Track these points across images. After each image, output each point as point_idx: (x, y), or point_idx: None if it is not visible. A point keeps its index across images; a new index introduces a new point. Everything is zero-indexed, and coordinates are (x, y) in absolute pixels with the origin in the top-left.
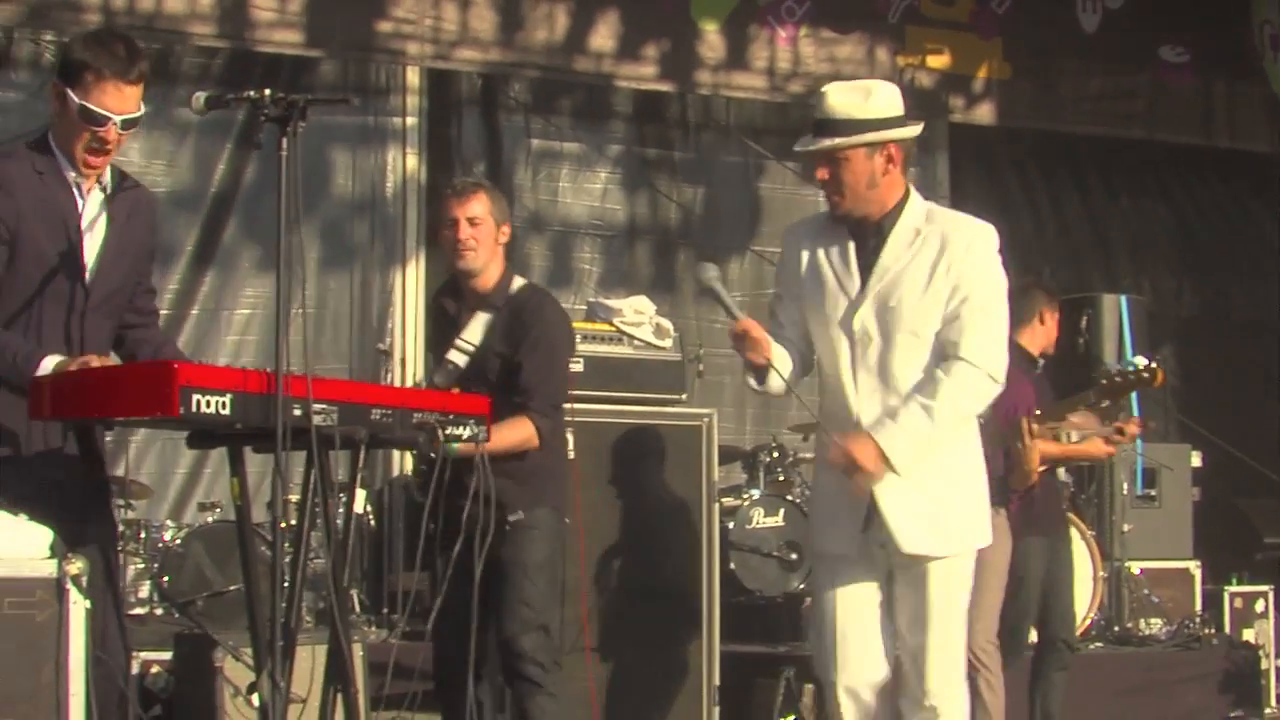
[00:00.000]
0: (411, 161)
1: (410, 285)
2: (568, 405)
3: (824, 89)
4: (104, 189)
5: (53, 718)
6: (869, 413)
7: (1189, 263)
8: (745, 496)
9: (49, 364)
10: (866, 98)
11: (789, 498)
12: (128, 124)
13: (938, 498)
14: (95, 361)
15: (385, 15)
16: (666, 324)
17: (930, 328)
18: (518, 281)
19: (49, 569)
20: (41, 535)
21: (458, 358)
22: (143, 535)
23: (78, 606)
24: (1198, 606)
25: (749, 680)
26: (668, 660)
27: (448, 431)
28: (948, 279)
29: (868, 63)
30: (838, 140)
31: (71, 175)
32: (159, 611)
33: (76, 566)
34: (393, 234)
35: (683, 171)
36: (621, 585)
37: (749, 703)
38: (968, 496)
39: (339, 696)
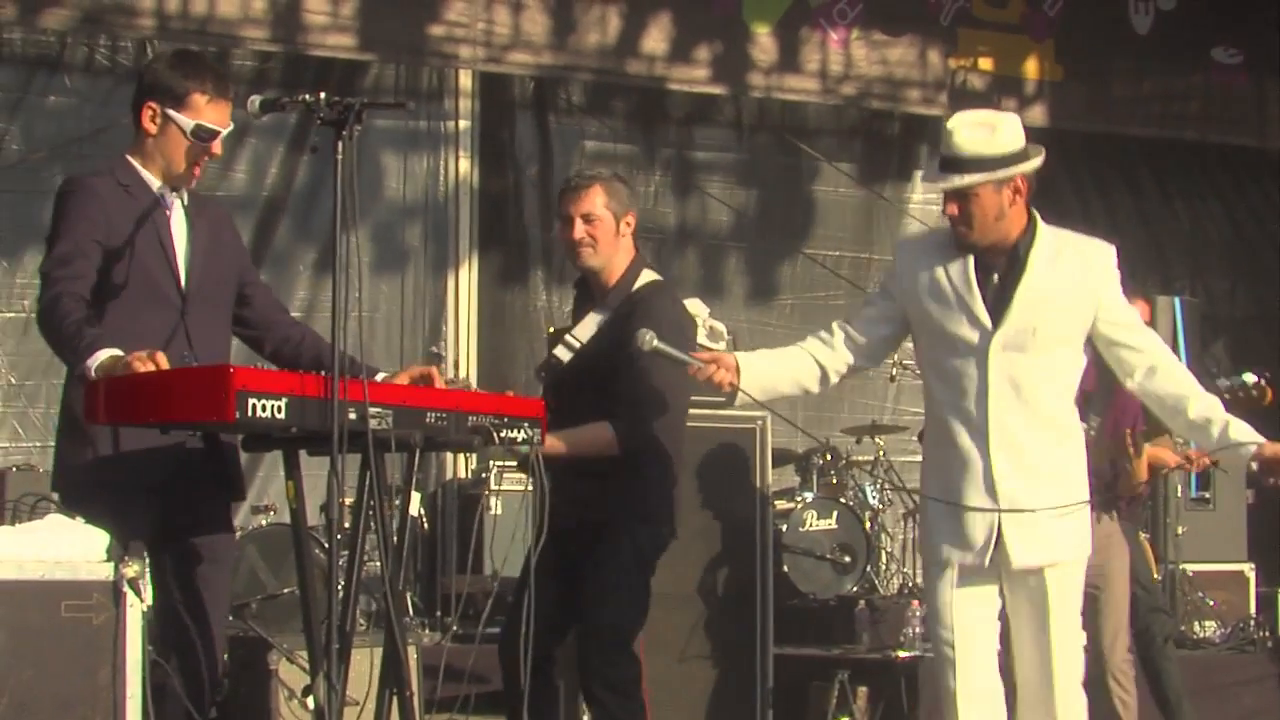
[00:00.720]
0: (464, 165)
1: (464, 288)
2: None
3: (950, 125)
4: (183, 199)
5: (110, 719)
6: (1007, 424)
7: (1241, 265)
8: (798, 499)
9: (100, 356)
10: (992, 133)
11: (842, 500)
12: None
13: (1051, 509)
14: (139, 361)
15: (437, 19)
16: (720, 326)
17: (1068, 344)
18: (645, 277)
19: (105, 572)
20: (98, 538)
21: (563, 354)
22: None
23: (134, 609)
24: (1252, 609)
25: (803, 683)
26: (721, 663)
27: (503, 435)
28: (1089, 299)
29: (920, 65)
30: (968, 179)
31: (157, 186)
32: None
33: (133, 569)
34: (445, 237)
35: (735, 174)
36: (675, 589)
37: (803, 706)
38: (1077, 506)
39: (394, 699)
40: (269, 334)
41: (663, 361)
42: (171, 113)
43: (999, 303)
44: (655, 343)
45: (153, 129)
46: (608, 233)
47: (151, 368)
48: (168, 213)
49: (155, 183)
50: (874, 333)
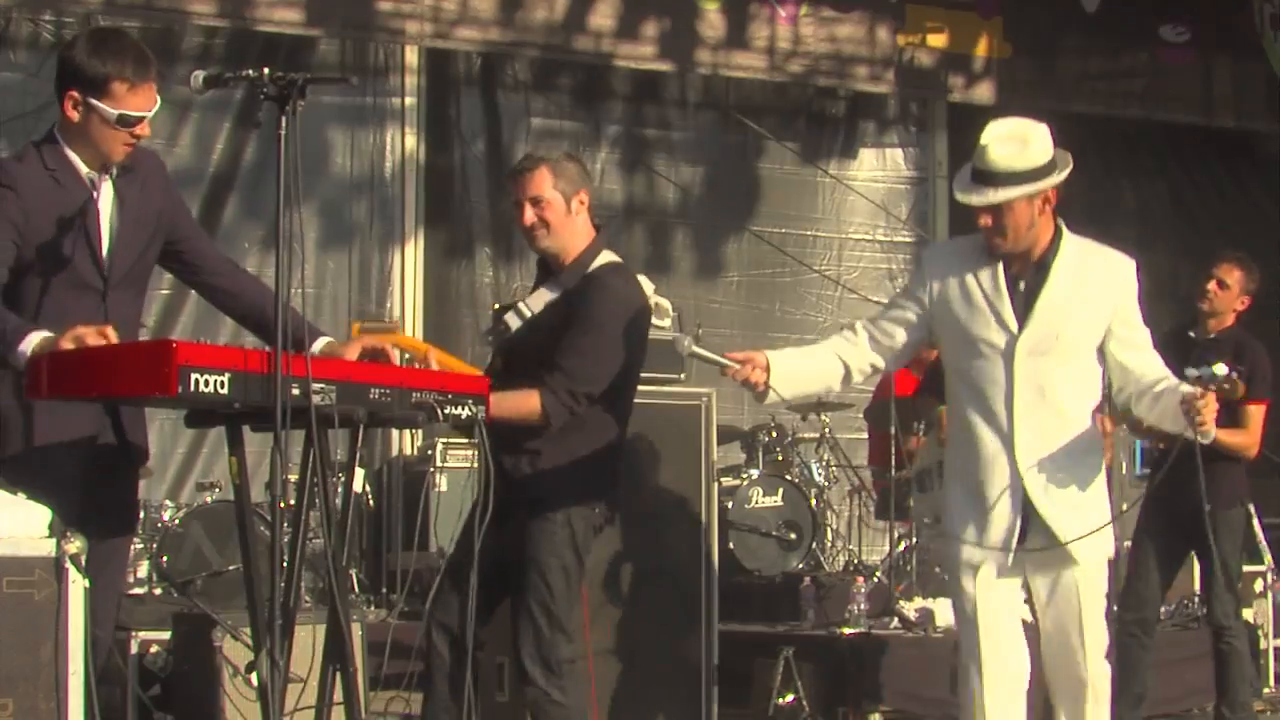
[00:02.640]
0: (410, 141)
1: (410, 265)
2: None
3: (984, 140)
4: (111, 173)
5: (52, 696)
6: (1028, 428)
7: (1187, 243)
8: (744, 476)
9: (33, 339)
10: (1025, 147)
11: (788, 477)
12: (153, 118)
13: (1075, 506)
14: (91, 335)
15: None
16: (665, 303)
17: (1089, 349)
18: (603, 258)
19: (48, 548)
20: (40, 514)
21: (513, 320)
22: (142, 515)
23: (76, 585)
24: (1196, 587)
25: (748, 660)
26: (666, 640)
27: (446, 411)
28: (1109, 307)
29: (868, 42)
30: (1002, 195)
31: (84, 171)
32: (158, 591)
33: (75, 545)
34: (391, 214)
35: (681, 151)
36: (619, 565)
37: (748, 683)
38: (1097, 488)
39: (338, 676)
40: (206, 284)
41: (611, 339)
42: (94, 101)
43: (1025, 308)
44: (693, 347)
45: (76, 116)
46: (558, 214)
47: (104, 342)
48: (95, 196)
49: (84, 169)
50: (899, 336)
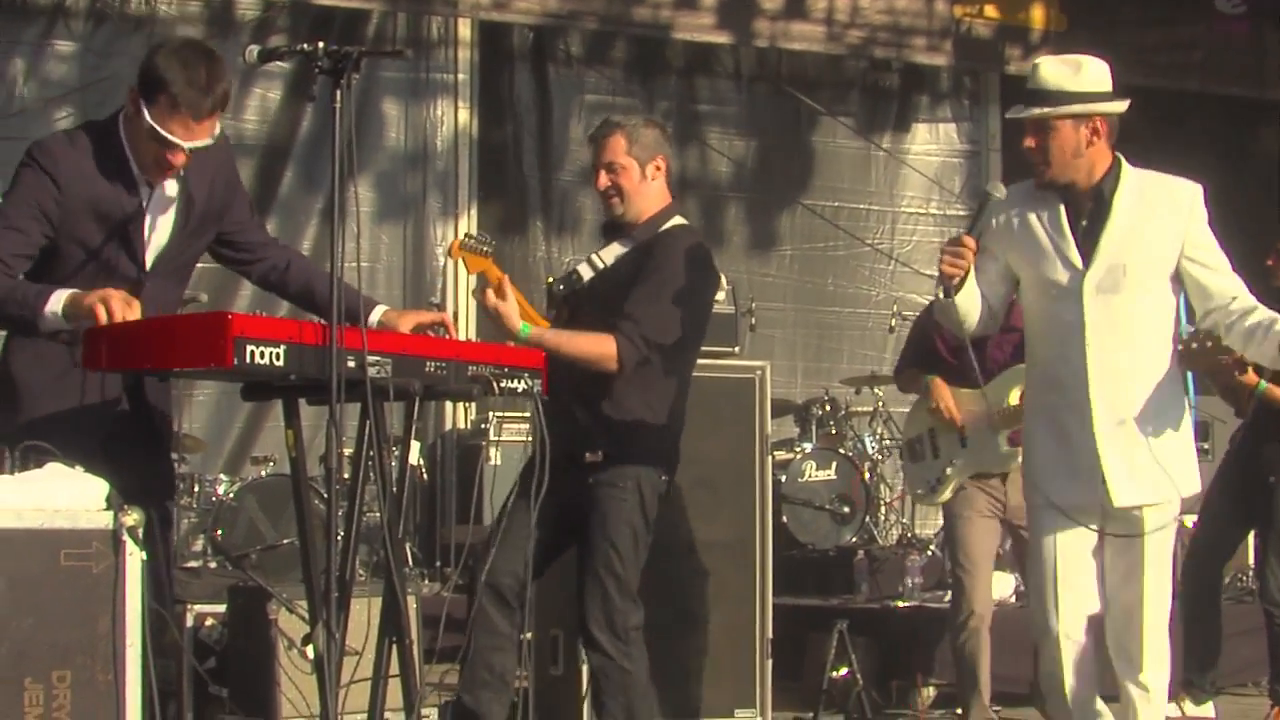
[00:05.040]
0: (464, 115)
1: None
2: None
3: (1037, 60)
4: (179, 173)
5: (109, 668)
6: (1106, 365)
7: (1241, 215)
8: (797, 450)
9: (59, 298)
10: (1077, 71)
11: (841, 450)
12: (198, 149)
13: (1155, 449)
14: (117, 298)
15: None
16: (720, 276)
17: (1160, 282)
18: (674, 221)
19: (105, 520)
20: (97, 487)
21: (585, 271)
22: (196, 489)
23: (134, 558)
24: (1250, 560)
25: (802, 633)
26: (720, 614)
27: (503, 384)
28: (1175, 236)
29: (925, 13)
30: (1047, 109)
31: (137, 172)
32: (213, 565)
33: (133, 518)
34: (445, 187)
35: (734, 125)
36: (673, 538)
37: (802, 656)
38: (1180, 446)
39: (393, 648)
40: (255, 269)
41: (682, 294)
42: (142, 105)
43: (1088, 244)
44: (996, 192)
45: (131, 111)
46: (632, 180)
47: (130, 313)
48: (142, 199)
49: (136, 169)
50: (994, 292)
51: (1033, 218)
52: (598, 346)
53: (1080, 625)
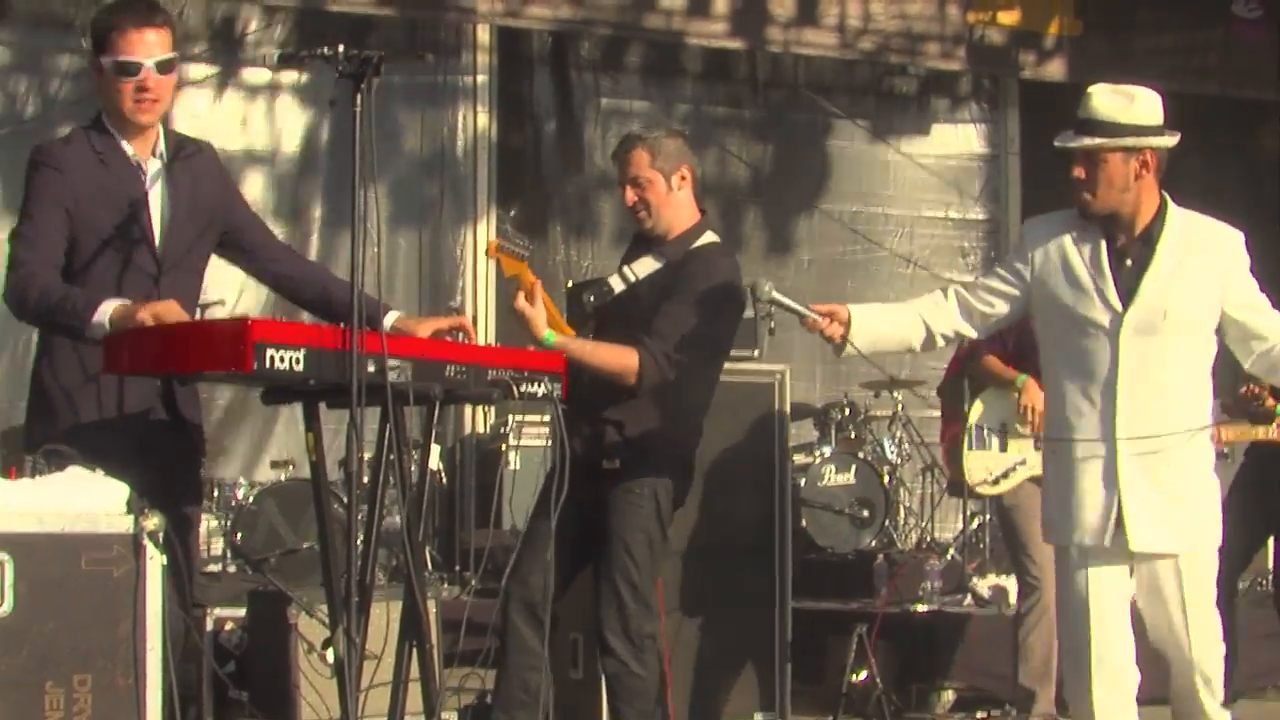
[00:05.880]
0: (482, 120)
1: (481, 244)
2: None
3: (1090, 89)
4: (160, 157)
5: (130, 672)
6: (1136, 409)
7: (1259, 219)
8: (816, 454)
9: (107, 308)
10: (1130, 102)
11: (860, 455)
12: (162, 67)
13: (1178, 496)
14: (166, 310)
15: None
16: None
17: (1199, 331)
18: (706, 238)
19: (126, 524)
20: (118, 491)
21: (616, 283)
22: (215, 493)
23: (154, 562)
24: (1269, 563)
25: (821, 637)
26: (739, 617)
27: (522, 389)
28: (1218, 283)
29: (939, 19)
30: (1099, 141)
31: (131, 152)
32: (232, 568)
33: (153, 522)
34: (463, 192)
35: (751, 130)
36: (693, 543)
37: (821, 659)
38: (1205, 494)
39: (413, 652)
40: (267, 271)
41: (708, 315)
42: (101, 60)
43: (1130, 285)
44: (773, 293)
45: (97, 78)
46: (659, 193)
47: (183, 318)
48: (144, 179)
49: (130, 149)
50: (991, 306)
51: (1073, 252)
52: (620, 360)
53: (1119, 669)
